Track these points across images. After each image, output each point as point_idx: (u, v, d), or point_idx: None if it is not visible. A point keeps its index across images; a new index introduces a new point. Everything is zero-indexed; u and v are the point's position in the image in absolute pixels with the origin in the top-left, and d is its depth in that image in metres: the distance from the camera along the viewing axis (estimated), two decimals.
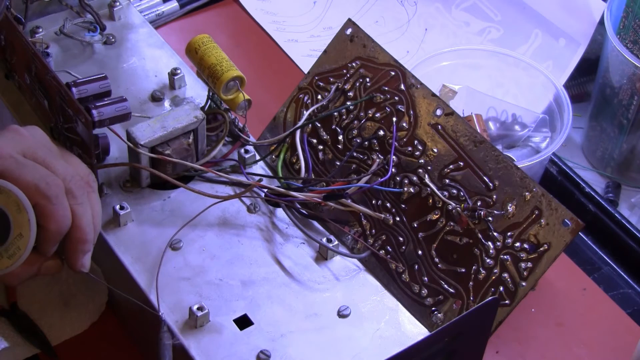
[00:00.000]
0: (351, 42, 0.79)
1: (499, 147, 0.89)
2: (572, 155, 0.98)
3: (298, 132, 0.78)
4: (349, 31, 0.79)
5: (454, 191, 0.72)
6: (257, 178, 0.77)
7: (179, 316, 0.68)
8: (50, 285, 0.75)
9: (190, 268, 0.71)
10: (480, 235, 0.70)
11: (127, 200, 0.75)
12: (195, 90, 0.84)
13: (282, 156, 0.79)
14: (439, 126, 0.73)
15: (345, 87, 0.78)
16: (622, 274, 0.84)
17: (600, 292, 0.82)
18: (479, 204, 0.70)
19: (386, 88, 0.76)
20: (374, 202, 0.75)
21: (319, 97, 0.79)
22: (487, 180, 0.71)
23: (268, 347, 0.67)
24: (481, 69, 0.94)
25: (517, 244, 0.68)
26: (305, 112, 0.79)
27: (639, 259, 0.85)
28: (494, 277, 0.69)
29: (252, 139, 0.80)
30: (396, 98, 0.76)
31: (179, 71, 0.84)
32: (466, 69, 0.94)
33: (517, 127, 0.91)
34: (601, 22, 0.95)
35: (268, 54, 1.02)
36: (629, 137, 0.93)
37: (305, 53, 1.02)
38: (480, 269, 0.69)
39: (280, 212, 0.76)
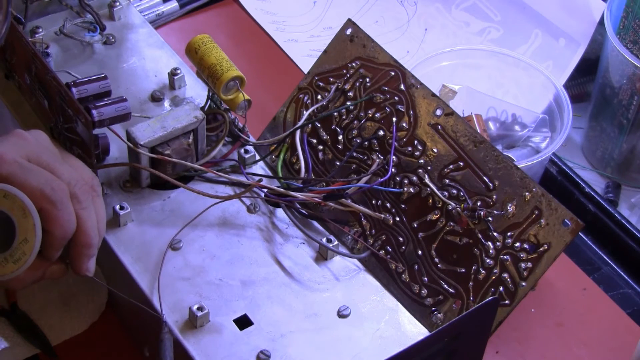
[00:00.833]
0: (351, 42, 0.79)
1: (499, 147, 0.89)
2: (572, 155, 0.98)
3: (298, 132, 0.78)
4: (349, 31, 0.79)
5: (454, 191, 0.72)
6: (257, 178, 0.77)
7: (179, 316, 0.68)
8: (50, 285, 0.75)
9: (190, 268, 0.71)
10: (480, 235, 0.70)
11: (127, 200, 0.75)
12: (195, 90, 0.84)
13: (282, 156, 0.79)
14: (439, 126, 0.73)
15: (345, 87, 0.78)
16: (622, 274, 0.84)
17: (600, 292, 0.82)
18: (479, 204, 0.70)
19: (386, 88, 0.76)
20: (373, 202, 0.75)
21: (319, 97, 0.79)
22: (487, 180, 0.71)
23: (268, 347, 0.67)
24: (481, 69, 0.94)
25: (517, 244, 0.68)
26: (305, 112, 0.79)
27: (639, 259, 0.85)
28: (493, 277, 0.69)
29: (252, 139, 0.80)
30: (396, 98, 0.76)
31: (179, 71, 0.84)
32: (466, 69, 0.94)
33: (517, 127, 0.91)
34: (601, 22, 0.95)
35: (268, 54, 1.02)
36: (629, 137, 0.93)
37: (305, 53, 1.02)
38: (480, 269, 0.69)
39: (280, 212, 0.76)
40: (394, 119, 0.75)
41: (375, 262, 0.74)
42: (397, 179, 0.74)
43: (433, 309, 0.71)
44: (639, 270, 0.84)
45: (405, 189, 0.74)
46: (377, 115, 0.76)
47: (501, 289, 0.68)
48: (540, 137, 0.91)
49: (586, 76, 1.00)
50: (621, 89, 0.91)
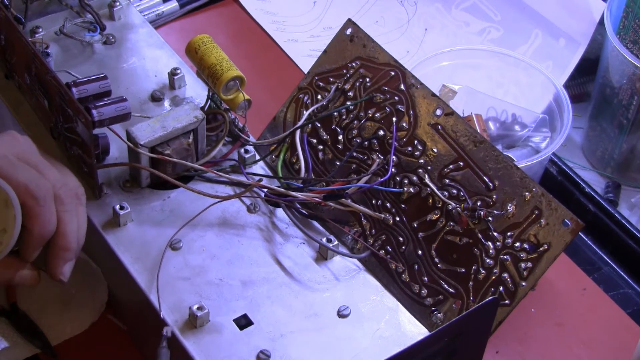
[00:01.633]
0: (351, 42, 0.79)
1: (499, 147, 0.89)
2: (572, 155, 0.98)
3: (298, 132, 0.78)
4: (349, 31, 0.79)
5: (454, 191, 0.72)
6: (257, 178, 0.77)
7: (179, 316, 0.68)
8: (50, 285, 0.75)
9: (190, 268, 0.71)
10: (480, 235, 0.70)
11: (127, 200, 0.75)
12: (195, 90, 0.84)
13: (282, 156, 0.79)
14: (439, 126, 0.73)
15: (345, 87, 0.78)
16: (622, 274, 0.84)
17: (600, 292, 0.82)
18: (479, 204, 0.70)
19: (386, 88, 0.76)
20: (374, 202, 0.75)
21: (319, 97, 0.79)
22: (487, 180, 0.71)
23: (268, 347, 0.67)
24: (481, 69, 0.94)
25: (517, 244, 0.68)
26: (305, 112, 0.79)
27: (639, 259, 0.85)
28: (493, 277, 0.69)
29: (252, 139, 0.80)
30: (396, 98, 0.76)
31: (178, 71, 0.84)
32: (466, 69, 0.94)
33: (517, 127, 0.91)
34: (601, 22, 0.95)
35: (268, 54, 1.02)
36: (629, 137, 0.93)
37: (305, 53, 1.02)
38: (480, 269, 0.69)
39: (280, 212, 0.76)
40: (394, 119, 0.75)
41: (375, 262, 0.74)
42: (397, 178, 0.74)
43: (433, 309, 0.71)
44: (639, 270, 0.84)
45: (405, 188, 0.74)
46: (377, 115, 0.76)
47: (501, 289, 0.68)
48: (540, 137, 0.91)
49: (586, 76, 1.00)
50: (621, 89, 0.91)
